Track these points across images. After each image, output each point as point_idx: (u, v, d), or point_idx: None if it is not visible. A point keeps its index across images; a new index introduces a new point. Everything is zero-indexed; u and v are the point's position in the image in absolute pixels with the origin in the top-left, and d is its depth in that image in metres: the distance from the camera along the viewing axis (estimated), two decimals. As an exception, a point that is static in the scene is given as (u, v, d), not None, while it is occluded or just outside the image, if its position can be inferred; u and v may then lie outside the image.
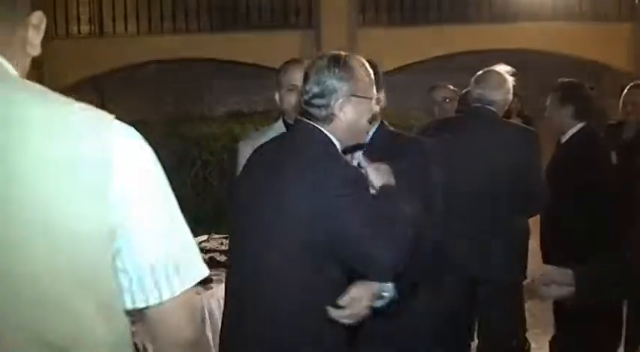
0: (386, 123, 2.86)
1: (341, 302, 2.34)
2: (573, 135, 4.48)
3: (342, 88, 2.42)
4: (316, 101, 2.43)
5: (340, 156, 2.45)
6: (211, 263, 4.25)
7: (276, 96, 3.54)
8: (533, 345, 5.18)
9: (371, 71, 2.53)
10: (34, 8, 1.45)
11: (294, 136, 2.56)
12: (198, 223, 5.71)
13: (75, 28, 12.29)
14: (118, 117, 1.41)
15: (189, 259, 1.48)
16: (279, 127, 3.50)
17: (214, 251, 4.53)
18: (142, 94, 12.05)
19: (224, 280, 3.98)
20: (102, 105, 1.39)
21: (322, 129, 2.44)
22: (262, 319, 2.41)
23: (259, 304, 2.42)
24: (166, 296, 1.43)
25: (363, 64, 2.51)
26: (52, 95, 1.39)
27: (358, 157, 2.67)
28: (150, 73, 12.11)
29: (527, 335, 4.98)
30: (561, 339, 4.61)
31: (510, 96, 4.11)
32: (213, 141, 6.64)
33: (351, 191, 2.30)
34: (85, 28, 12.35)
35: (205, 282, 3.91)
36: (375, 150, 2.70)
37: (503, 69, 4.09)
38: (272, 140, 2.69)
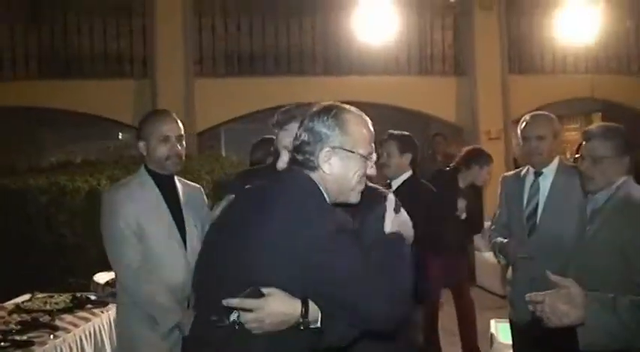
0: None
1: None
2: (404, 181, 4.97)
3: (329, 137, 2.34)
4: (303, 148, 2.35)
5: (324, 205, 2.33)
6: (34, 324, 4.01)
7: (142, 145, 3.70)
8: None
9: (371, 129, 2.45)
10: None
11: (283, 184, 2.39)
12: (20, 282, 5.39)
13: None
14: None
15: None
16: (142, 175, 3.72)
17: (37, 311, 4.28)
18: (-36, 145, 11.32)
19: (47, 342, 3.79)
20: None
21: (311, 177, 2.35)
22: None
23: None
24: None
25: (361, 120, 2.43)
26: None
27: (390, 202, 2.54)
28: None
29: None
30: None
31: None
32: (40, 194, 6.30)
33: (335, 244, 2.17)
34: None
35: (26, 345, 3.68)
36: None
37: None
38: (257, 185, 2.51)
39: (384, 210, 2.50)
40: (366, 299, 2.19)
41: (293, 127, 2.51)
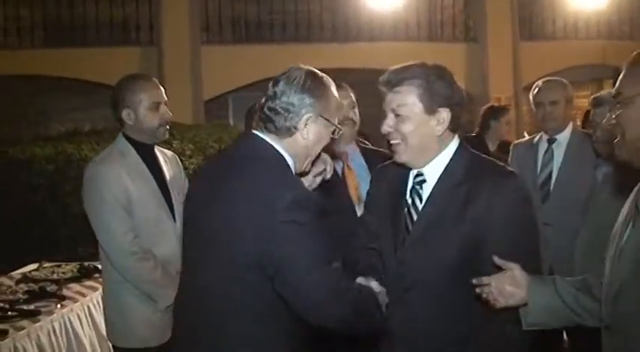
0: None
1: None
2: None
3: (314, 104, 2.33)
4: (283, 108, 2.32)
5: (291, 175, 2.33)
6: (41, 293, 4.00)
7: (127, 114, 3.47)
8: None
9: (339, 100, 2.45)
10: None
11: (244, 150, 2.37)
12: (28, 251, 5.39)
13: None
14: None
15: None
16: (122, 145, 3.49)
17: (45, 280, 4.27)
18: (-29, 114, 11.28)
19: (54, 311, 3.77)
20: None
21: (276, 144, 2.33)
22: (205, 337, 2.29)
23: (202, 322, 2.30)
24: None
25: (335, 91, 2.42)
26: None
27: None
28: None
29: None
30: None
31: None
32: (46, 163, 6.27)
33: (299, 217, 2.16)
34: None
35: (33, 315, 3.66)
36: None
37: None
38: (222, 151, 2.56)
39: (514, 193, 2.41)
40: (309, 286, 2.19)
41: (404, 90, 2.42)
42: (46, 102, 11.98)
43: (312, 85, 2.34)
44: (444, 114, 2.43)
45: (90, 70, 11.10)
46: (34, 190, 6.23)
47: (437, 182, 2.45)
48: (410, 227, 2.49)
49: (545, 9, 12.91)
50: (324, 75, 2.41)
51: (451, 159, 2.47)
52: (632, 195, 2.07)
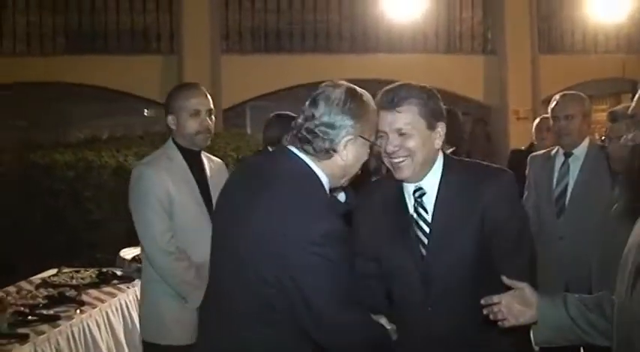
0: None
1: None
2: None
3: (355, 125, 2.27)
4: (322, 131, 2.26)
5: (326, 202, 2.28)
6: (60, 299, 4.04)
7: (171, 119, 3.59)
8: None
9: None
10: None
11: (280, 167, 2.30)
12: (48, 256, 5.44)
13: None
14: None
15: None
16: (170, 149, 3.61)
17: (64, 285, 4.31)
18: (-8, 119, 11.41)
19: (74, 316, 3.82)
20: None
21: (313, 164, 2.28)
22: (223, 342, 2.32)
23: (221, 327, 2.34)
24: None
25: (374, 106, 2.39)
26: None
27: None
28: (1, 97, 11.49)
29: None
30: None
31: None
32: (67, 169, 6.35)
33: (328, 253, 2.14)
34: None
35: (52, 319, 3.71)
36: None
37: None
38: (253, 163, 2.59)
39: (510, 188, 2.60)
40: (330, 322, 2.21)
41: (406, 109, 2.47)
42: (66, 109, 12.10)
43: (353, 104, 2.27)
44: (440, 128, 2.55)
45: (110, 77, 11.19)
46: (55, 195, 6.30)
47: (438, 191, 2.56)
48: (423, 239, 2.56)
49: (565, 22, 12.87)
50: (363, 92, 2.34)
51: (444, 169, 2.58)
52: None
